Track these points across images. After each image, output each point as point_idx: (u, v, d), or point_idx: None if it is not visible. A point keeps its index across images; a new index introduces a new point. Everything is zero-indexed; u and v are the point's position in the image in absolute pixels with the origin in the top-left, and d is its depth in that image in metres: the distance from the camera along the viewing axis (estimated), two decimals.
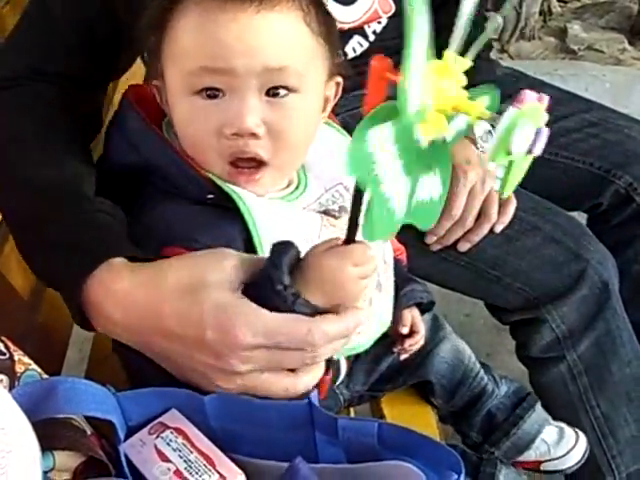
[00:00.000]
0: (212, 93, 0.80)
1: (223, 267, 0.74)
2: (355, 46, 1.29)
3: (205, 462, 0.70)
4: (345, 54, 1.28)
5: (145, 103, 0.89)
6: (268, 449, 0.75)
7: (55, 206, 0.83)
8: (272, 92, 0.81)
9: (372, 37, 1.31)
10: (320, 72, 0.85)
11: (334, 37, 0.86)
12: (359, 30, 1.30)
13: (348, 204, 0.89)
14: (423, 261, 1.20)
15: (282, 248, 0.73)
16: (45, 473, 0.62)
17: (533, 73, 2.91)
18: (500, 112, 0.59)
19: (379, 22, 1.31)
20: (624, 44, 3.26)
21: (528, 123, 0.60)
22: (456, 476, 0.69)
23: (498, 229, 1.22)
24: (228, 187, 0.82)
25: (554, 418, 1.15)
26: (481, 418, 1.12)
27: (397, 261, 1.01)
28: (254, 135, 0.80)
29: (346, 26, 1.28)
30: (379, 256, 0.93)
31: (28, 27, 1.01)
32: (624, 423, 1.26)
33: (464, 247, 1.22)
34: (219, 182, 0.82)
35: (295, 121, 0.83)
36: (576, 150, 1.40)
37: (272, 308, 0.71)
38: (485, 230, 1.21)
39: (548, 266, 1.22)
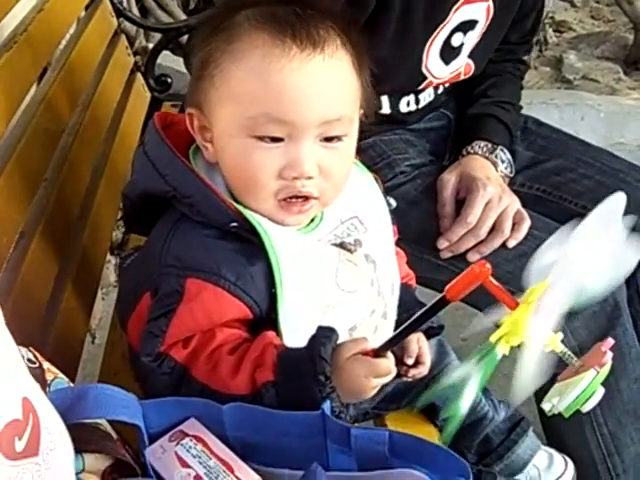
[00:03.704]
0: (273, 139, 0.85)
1: None
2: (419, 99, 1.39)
3: (224, 468, 0.73)
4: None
5: (172, 128, 0.92)
6: (281, 457, 0.78)
7: None
8: (326, 139, 0.86)
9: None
10: (357, 108, 0.91)
11: (365, 65, 0.91)
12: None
13: (363, 237, 0.93)
14: (435, 274, 1.22)
15: (328, 334, 0.81)
16: (76, 474, 0.65)
17: (529, 102, 2.94)
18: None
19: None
20: (619, 74, 3.30)
21: (601, 388, 0.76)
22: None
23: (511, 244, 1.24)
24: (253, 218, 0.86)
25: (559, 435, 1.17)
26: (479, 441, 1.14)
27: (407, 286, 1.05)
28: (310, 177, 0.86)
29: (435, 81, 1.35)
30: (388, 287, 0.97)
31: None
32: (630, 442, 1.26)
33: (473, 257, 1.23)
34: (245, 212, 0.87)
35: (344, 162, 0.90)
36: (569, 191, 1.41)
37: (303, 388, 0.80)
38: (496, 244, 1.24)
39: None
